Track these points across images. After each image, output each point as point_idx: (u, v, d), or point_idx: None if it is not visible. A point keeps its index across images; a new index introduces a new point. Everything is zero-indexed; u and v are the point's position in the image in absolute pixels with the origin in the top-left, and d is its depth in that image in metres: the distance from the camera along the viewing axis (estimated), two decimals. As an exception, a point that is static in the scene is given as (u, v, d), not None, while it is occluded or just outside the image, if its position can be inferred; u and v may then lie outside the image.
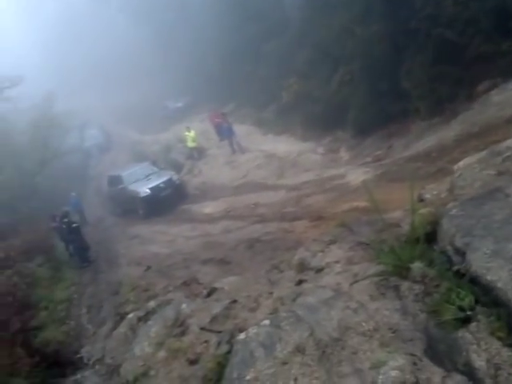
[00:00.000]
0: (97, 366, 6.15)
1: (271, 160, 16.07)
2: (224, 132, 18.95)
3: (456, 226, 3.38)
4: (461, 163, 5.10)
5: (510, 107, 8.69)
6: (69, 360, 7.08)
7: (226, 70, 24.42)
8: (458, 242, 3.22)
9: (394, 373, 2.72)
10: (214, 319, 4.84)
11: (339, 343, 3.17)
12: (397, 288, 3.44)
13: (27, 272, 11.62)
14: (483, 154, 5.08)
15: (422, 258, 3.51)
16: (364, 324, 3.24)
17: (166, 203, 15.79)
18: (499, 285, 2.67)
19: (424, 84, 11.42)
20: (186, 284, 7.51)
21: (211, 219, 12.73)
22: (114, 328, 6.58)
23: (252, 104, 22.24)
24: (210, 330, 4.65)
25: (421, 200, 5.15)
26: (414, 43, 12.00)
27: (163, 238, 12.53)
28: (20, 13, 53.64)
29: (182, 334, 4.89)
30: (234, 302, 5.08)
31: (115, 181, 17.54)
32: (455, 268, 3.13)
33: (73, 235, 13.18)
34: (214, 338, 4.39)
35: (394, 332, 3.10)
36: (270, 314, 4.17)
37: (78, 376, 6.23)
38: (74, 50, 45.54)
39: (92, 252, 13.68)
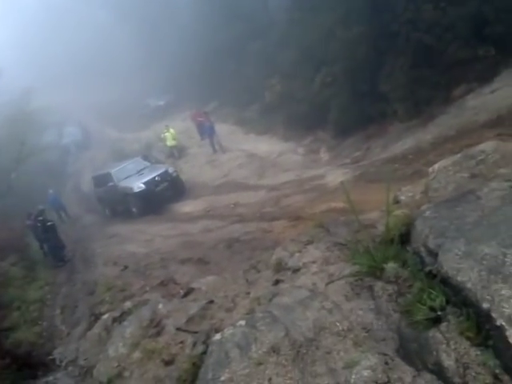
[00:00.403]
0: (69, 368, 6.03)
1: (252, 160, 16.10)
2: (205, 131, 18.89)
3: (429, 228, 3.43)
4: (436, 166, 5.19)
5: (484, 112, 8.89)
6: (41, 361, 6.92)
7: (210, 68, 24.37)
8: (431, 243, 3.26)
9: (366, 372, 2.75)
10: (190, 320, 4.81)
11: (314, 343, 3.19)
12: (371, 288, 3.48)
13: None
14: (458, 157, 5.18)
15: (395, 258, 3.55)
16: (338, 324, 3.27)
17: (162, 198, 14.84)
18: (469, 285, 2.71)
19: (403, 87, 11.61)
20: (163, 284, 7.46)
21: (191, 218, 12.66)
22: (89, 329, 6.48)
23: (234, 103, 22.23)
24: (186, 331, 4.62)
25: (396, 201, 5.22)
26: (394, 47, 12.18)
27: (141, 237, 12.40)
28: (-4, 7, 52.36)
29: (158, 334, 4.85)
30: (211, 302, 5.07)
31: (103, 179, 16.32)
32: (427, 269, 3.17)
33: (48, 234, 12.94)
34: (189, 339, 4.37)
35: (367, 332, 3.14)
36: (247, 314, 4.17)
37: (50, 378, 6.09)
38: (53, 46, 44.84)
39: (68, 251, 13.46)
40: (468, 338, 2.62)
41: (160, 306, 5.48)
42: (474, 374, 2.47)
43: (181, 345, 4.43)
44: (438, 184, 4.79)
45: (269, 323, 3.49)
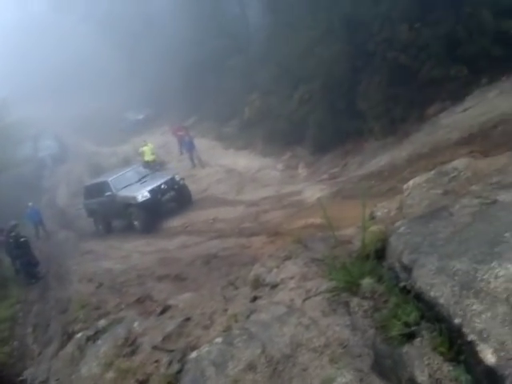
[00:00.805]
0: (41, 389, 5.84)
1: (231, 175, 16.11)
2: (185, 145, 18.87)
3: (404, 244, 3.49)
4: (410, 182, 5.31)
5: (457, 130, 9.17)
6: (11, 383, 6.69)
7: (190, 83, 24.47)
8: (405, 259, 3.32)
9: (342, 389, 2.76)
10: (166, 338, 4.74)
11: (290, 360, 3.18)
12: (347, 304, 3.50)
13: (-31, 289, 11.00)
14: (431, 174, 5.32)
15: (371, 274, 3.59)
16: (315, 340, 3.27)
17: (168, 209, 13.64)
18: (441, 301, 2.76)
19: (379, 104, 11.89)
20: (139, 301, 7.33)
21: (168, 234, 12.54)
22: (61, 348, 6.29)
23: (214, 118, 22.32)
24: (162, 349, 4.54)
25: (372, 217, 5.30)
26: (371, 65, 12.48)
27: (117, 254, 12.20)
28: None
29: (133, 353, 4.75)
30: (188, 319, 5.00)
31: (97, 189, 14.65)
32: (402, 284, 3.22)
33: (20, 250, 12.61)
34: (165, 358, 4.29)
35: (343, 348, 3.15)
36: (224, 331, 4.13)
37: (21, 399, 5.90)
38: (33, 59, 44.35)
39: (41, 268, 13.11)
40: (441, 354, 2.65)
41: (136, 323, 5.38)
42: (446, 389, 2.50)
43: (156, 364, 4.34)
44: (413, 200, 4.90)
45: (246, 340, 3.48)
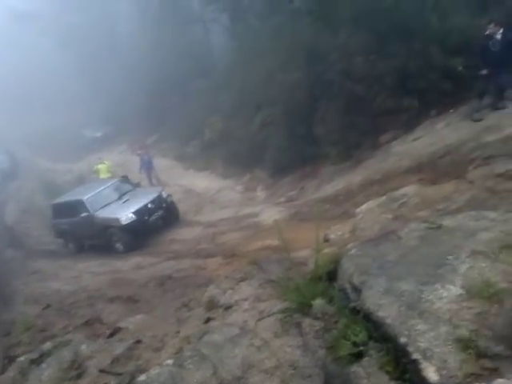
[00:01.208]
0: (-23, 417, 5.47)
1: (190, 195, 16.00)
2: (144, 164, 18.64)
3: (354, 265, 3.60)
4: (363, 207, 5.52)
5: (407, 158, 9.60)
6: None
7: (152, 102, 24.37)
8: (356, 280, 3.42)
9: (291, 410, 2.77)
10: (115, 360, 4.59)
11: (241, 381, 3.16)
12: (299, 325, 3.54)
13: None
14: (383, 199, 5.56)
15: (323, 295, 3.66)
16: (267, 361, 3.28)
17: (153, 229, 12.46)
18: (388, 321, 2.85)
19: (335, 131, 12.28)
20: (88, 324, 7.06)
21: (122, 255, 12.22)
22: (2, 372, 5.92)
23: (175, 138, 22.24)
24: (110, 372, 4.38)
25: (326, 240, 5.45)
26: (329, 94, 12.91)
27: (67, 274, 11.73)
28: None
29: (79, 376, 4.55)
30: (139, 342, 4.88)
31: (70, 209, 13.12)
32: (352, 305, 3.30)
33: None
34: (112, 381, 4.15)
35: (294, 369, 3.17)
36: (175, 353, 4.06)
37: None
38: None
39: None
40: (387, 373, 2.72)
41: (83, 346, 5.18)
42: (391, 408, 2.57)
43: (103, 387, 4.19)
44: (365, 224, 5.09)
45: (197, 362, 3.43)
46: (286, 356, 3.28)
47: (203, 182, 16.96)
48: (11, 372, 5.26)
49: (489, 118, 9.39)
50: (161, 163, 18.88)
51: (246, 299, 4.64)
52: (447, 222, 3.81)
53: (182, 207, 14.89)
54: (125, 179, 14.87)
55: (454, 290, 2.84)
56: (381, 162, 10.45)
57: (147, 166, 18.17)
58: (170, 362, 3.56)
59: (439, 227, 3.74)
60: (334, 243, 4.96)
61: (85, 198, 12.98)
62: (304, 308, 3.64)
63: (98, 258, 12.53)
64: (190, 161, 19.88)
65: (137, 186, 14.37)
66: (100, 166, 18.81)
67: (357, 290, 3.35)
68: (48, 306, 9.34)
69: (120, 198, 13.03)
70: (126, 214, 12.00)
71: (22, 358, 5.52)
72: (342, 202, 8.75)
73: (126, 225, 11.89)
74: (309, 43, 13.28)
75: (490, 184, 5.38)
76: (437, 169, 8.12)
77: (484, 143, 8.21)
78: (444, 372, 2.37)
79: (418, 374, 2.48)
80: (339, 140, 12.12)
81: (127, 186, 13.92)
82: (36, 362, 5.22)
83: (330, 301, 3.57)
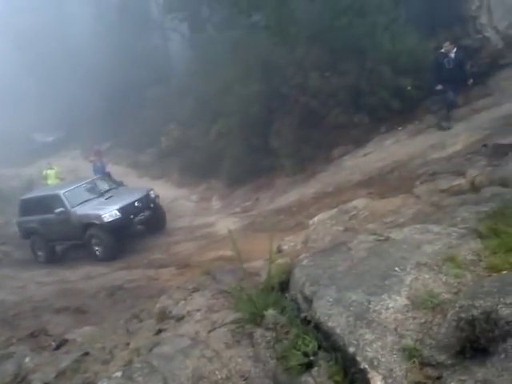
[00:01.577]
0: None
1: (143, 204, 15.68)
2: (96, 171, 18.08)
3: (306, 276, 3.65)
4: (315, 218, 5.65)
5: (358, 172, 9.94)
6: None
7: (107, 109, 23.79)
8: (307, 291, 3.47)
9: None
10: (60, 373, 4.41)
11: (192, 393, 3.14)
12: (251, 335, 3.54)
13: None
14: (334, 211, 5.71)
15: (275, 305, 3.68)
16: (217, 372, 3.26)
17: (139, 232, 11.39)
18: (338, 331, 2.89)
19: (290, 144, 12.52)
20: (33, 335, 6.73)
21: (71, 264, 11.78)
22: None
23: (130, 145, 21.80)
24: (55, 386, 4.23)
25: (280, 251, 5.53)
26: (284, 107, 13.17)
27: (12, 284, 11.11)
28: None
29: (22, 391, 4.36)
30: (86, 354, 4.71)
31: (42, 204, 11.77)
32: (303, 315, 3.34)
33: None
34: (57, 395, 4.00)
35: (245, 380, 3.17)
36: (124, 365, 3.96)
37: None
38: None
39: None
40: (336, 382, 2.74)
41: (27, 359, 4.96)
42: (340, 416, 2.62)
43: (47, 402, 4.03)
44: (317, 235, 5.20)
45: (146, 374, 3.36)
46: (237, 367, 3.28)
47: (158, 190, 16.67)
48: None
49: (434, 137, 9.92)
50: (115, 170, 18.38)
51: (198, 310, 4.61)
52: (394, 234, 3.95)
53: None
54: (107, 177, 13.73)
55: (400, 300, 2.93)
56: (333, 176, 10.75)
57: (100, 173, 17.66)
58: (118, 374, 3.47)
59: (387, 239, 3.87)
60: (287, 254, 5.04)
61: (62, 191, 11.62)
62: (256, 318, 3.65)
63: (46, 267, 12.01)
64: (144, 169, 19.54)
65: (120, 184, 13.29)
66: (49, 172, 18.08)
67: (308, 300, 3.40)
68: (-11, 317, 8.84)
69: (101, 195, 11.75)
70: (109, 211, 10.65)
71: (-41, 373, 5.20)
72: (295, 214, 8.90)
73: (108, 223, 10.52)
74: (266, 57, 13.53)
75: (435, 199, 5.66)
76: (385, 183, 8.46)
77: (430, 160, 8.65)
78: (390, 381, 2.43)
79: (366, 383, 2.54)
80: (294, 153, 12.36)
81: (110, 184, 12.74)
82: (-25, 376, 4.93)
83: (282, 311, 3.60)
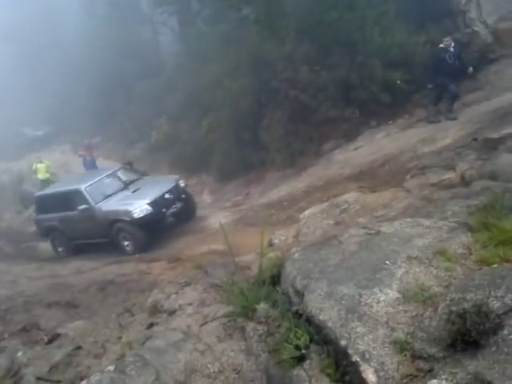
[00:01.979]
0: None
1: (134, 199, 15.59)
2: (86, 166, 17.96)
3: (297, 269, 3.66)
4: (306, 212, 5.66)
5: (348, 166, 9.98)
6: None
7: (97, 102, 23.55)
8: (298, 284, 3.48)
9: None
10: (53, 368, 4.41)
11: (184, 387, 3.15)
12: (243, 329, 3.57)
13: None
14: (325, 205, 5.73)
15: (267, 299, 3.70)
16: (210, 366, 3.28)
17: (170, 225, 10.52)
18: (329, 324, 2.91)
19: (281, 138, 12.50)
20: (24, 330, 6.68)
21: (62, 258, 11.71)
22: None
23: (120, 140, 21.64)
24: (48, 380, 4.22)
25: (271, 244, 5.55)
26: (274, 101, 13.14)
27: (3, 278, 11.02)
28: None
29: (15, 385, 4.34)
30: (79, 348, 4.72)
31: (62, 201, 11.00)
32: (295, 308, 3.36)
33: None
34: (50, 390, 3.98)
35: (237, 373, 3.19)
36: (117, 359, 3.96)
37: None
38: None
39: None
40: (328, 375, 2.77)
41: (19, 353, 4.93)
42: (332, 409, 2.64)
43: (39, 397, 4.01)
44: (308, 229, 5.22)
45: (139, 367, 3.37)
46: (230, 360, 3.30)
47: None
48: None
49: (424, 131, 9.99)
50: (104, 165, 18.25)
51: (190, 304, 4.62)
52: (385, 228, 3.97)
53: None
54: (129, 166, 12.66)
55: (391, 293, 2.96)
56: (324, 170, 10.77)
57: (90, 168, 17.55)
58: (111, 368, 3.47)
59: (377, 233, 3.90)
60: (278, 248, 5.06)
61: (83, 186, 10.66)
62: (248, 312, 3.67)
63: (37, 262, 11.92)
64: (135, 163, 19.41)
65: (144, 174, 12.35)
66: (39, 166, 17.98)
67: (299, 293, 3.42)
68: (-20, 312, 8.76)
69: (126, 187, 10.84)
70: (139, 205, 9.84)
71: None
72: (286, 208, 8.91)
73: (139, 218, 9.72)
74: (256, 51, 13.47)
75: (426, 193, 5.71)
76: (376, 177, 8.50)
77: (420, 154, 8.71)
78: (382, 373, 2.45)
79: (358, 376, 2.56)
80: (284, 147, 12.35)
81: (133, 175, 11.80)
82: (-32, 371, 4.90)
83: (274, 305, 3.62)
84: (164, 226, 10.43)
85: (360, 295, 3.03)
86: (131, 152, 20.29)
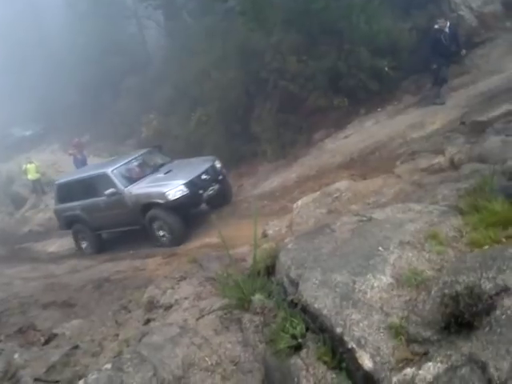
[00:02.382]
0: None
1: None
2: (77, 164, 17.83)
3: (291, 259, 3.68)
4: (299, 202, 5.68)
5: (340, 154, 9.99)
6: None
7: (85, 100, 23.39)
8: (293, 274, 3.50)
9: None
10: (51, 368, 4.40)
11: (182, 381, 3.15)
12: (239, 320, 3.58)
13: None
14: (317, 194, 5.74)
15: (262, 290, 3.72)
16: (207, 359, 3.29)
17: (202, 212, 9.86)
18: (324, 312, 2.93)
19: (271, 129, 12.46)
20: (21, 331, 6.65)
21: (56, 258, 11.66)
22: None
23: (110, 137, 21.49)
24: (46, 381, 4.21)
25: (265, 235, 5.56)
26: (264, 92, 13.08)
27: (-3, 281, 10.99)
28: None
29: (12, 387, 4.33)
30: (76, 347, 4.72)
31: (86, 187, 10.22)
32: (290, 298, 3.38)
33: None
34: (48, 390, 3.98)
35: (235, 365, 3.21)
36: (114, 357, 3.96)
37: None
38: None
39: None
40: (325, 363, 2.78)
41: (16, 355, 4.91)
42: (325, 396, 2.65)
43: (38, 398, 4.01)
44: (301, 219, 5.24)
45: (136, 364, 3.36)
46: (227, 352, 3.32)
47: (139, 180, 16.54)
48: None
49: (413, 116, 10.01)
50: (94, 162, 18.12)
51: (186, 298, 4.63)
52: (377, 214, 4.00)
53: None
54: (159, 149, 11.73)
55: (385, 279, 2.99)
56: (315, 159, 10.78)
57: (81, 166, 17.42)
58: (108, 366, 3.46)
59: (369, 220, 3.92)
60: (272, 238, 5.08)
61: (109, 169, 9.85)
62: (244, 304, 3.68)
63: (30, 263, 11.87)
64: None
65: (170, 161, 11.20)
66: (28, 166, 17.89)
67: (294, 283, 3.44)
68: (-26, 315, 8.70)
69: (157, 170, 10.09)
70: (174, 186, 8.93)
71: None
72: (279, 198, 8.92)
73: (175, 200, 8.81)
74: (243, 42, 13.37)
75: (416, 178, 5.74)
76: (367, 164, 8.53)
77: (409, 140, 8.74)
78: (378, 359, 2.47)
79: (354, 362, 2.58)
80: (274, 138, 12.33)
81: (163, 157, 11.04)
82: (-36, 374, 4.88)
83: (269, 295, 3.63)
84: (196, 211, 9.75)
85: (354, 282, 3.06)
86: (121, 148, 20.15)
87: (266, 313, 3.44)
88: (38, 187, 18.14)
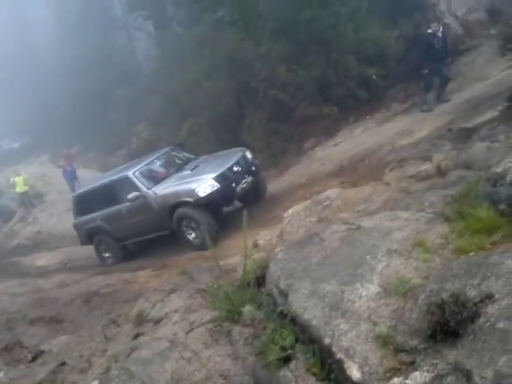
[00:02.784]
0: None
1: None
2: (66, 176, 17.72)
3: (281, 269, 3.67)
4: (290, 211, 5.66)
5: (330, 162, 10.03)
6: None
7: (74, 111, 23.35)
8: (282, 284, 3.48)
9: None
10: (37, 386, 4.33)
11: (171, 396, 3.11)
12: (229, 333, 3.55)
13: None
14: (308, 203, 5.74)
15: (252, 301, 3.69)
16: (197, 373, 3.25)
17: (234, 210, 9.10)
18: (313, 322, 2.93)
19: (262, 138, 12.49)
20: (7, 349, 6.52)
21: (45, 272, 11.48)
22: None
23: (100, 148, 21.43)
24: (32, 400, 4.13)
25: (256, 245, 5.53)
26: (254, 101, 13.13)
27: (-18, 297, 10.80)
28: None
29: (-4, 408, 4.23)
30: (63, 364, 4.64)
31: (107, 195, 9.40)
32: (279, 309, 3.37)
33: None
34: (34, 409, 3.90)
35: (224, 378, 3.17)
36: (102, 373, 3.89)
37: None
38: None
39: None
40: (314, 374, 2.78)
41: (1, 374, 4.83)
42: (318, 409, 2.63)
43: (24, 417, 3.92)
44: (291, 228, 5.23)
45: (124, 380, 3.32)
46: (216, 366, 3.28)
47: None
48: None
49: (401, 123, 10.09)
50: (84, 174, 18.03)
51: (176, 311, 4.57)
52: (365, 222, 4.00)
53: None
54: (181, 147, 10.86)
55: (373, 288, 2.99)
56: (306, 167, 10.80)
57: (70, 178, 17.33)
58: (95, 383, 3.42)
59: (358, 228, 3.92)
60: (263, 248, 5.05)
61: (131, 172, 9.01)
62: (234, 316, 3.66)
63: (18, 278, 11.68)
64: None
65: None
66: (16, 179, 17.70)
67: (283, 293, 3.42)
68: (-40, 333, 8.54)
69: (182, 168, 9.17)
70: (204, 182, 8.03)
71: None
72: (270, 208, 8.88)
73: (205, 197, 7.92)
74: (233, 52, 13.44)
75: (404, 185, 5.76)
76: (357, 172, 8.55)
77: (398, 147, 8.79)
78: (366, 369, 2.47)
79: (343, 373, 2.57)
80: (265, 147, 12.34)
81: (187, 155, 10.11)
82: None
83: (259, 306, 3.61)
84: (228, 207, 9.06)
85: (342, 292, 3.06)
86: (112, 159, 20.07)
87: (256, 324, 3.42)
88: (27, 200, 17.96)
